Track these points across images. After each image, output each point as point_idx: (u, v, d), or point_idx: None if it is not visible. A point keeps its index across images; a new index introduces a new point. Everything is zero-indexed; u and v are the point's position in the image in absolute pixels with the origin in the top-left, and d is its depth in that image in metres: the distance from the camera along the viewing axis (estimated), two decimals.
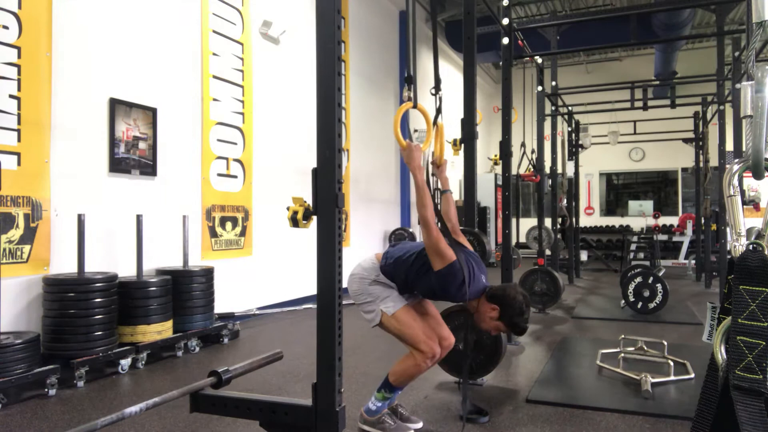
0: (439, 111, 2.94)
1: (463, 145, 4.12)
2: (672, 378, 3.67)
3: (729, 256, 1.13)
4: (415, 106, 2.68)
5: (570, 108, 9.45)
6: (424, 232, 2.56)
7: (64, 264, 4.07)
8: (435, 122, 2.90)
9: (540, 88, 7.55)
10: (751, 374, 1.01)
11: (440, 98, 2.97)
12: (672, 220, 13.79)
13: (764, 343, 1.01)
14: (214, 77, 5.63)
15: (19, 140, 3.81)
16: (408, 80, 2.67)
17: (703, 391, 1.13)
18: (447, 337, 2.86)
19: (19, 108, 3.82)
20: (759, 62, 1.17)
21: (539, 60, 7.56)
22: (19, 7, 3.83)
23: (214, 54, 5.62)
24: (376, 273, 2.78)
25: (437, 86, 2.96)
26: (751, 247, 1.07)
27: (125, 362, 3.99)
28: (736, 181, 1.14)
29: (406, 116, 2.73)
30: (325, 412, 1.99)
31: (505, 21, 5.06)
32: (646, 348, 4.21)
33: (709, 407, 1.10)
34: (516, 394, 3.48)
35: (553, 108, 8.53)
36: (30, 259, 3.86)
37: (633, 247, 10.96)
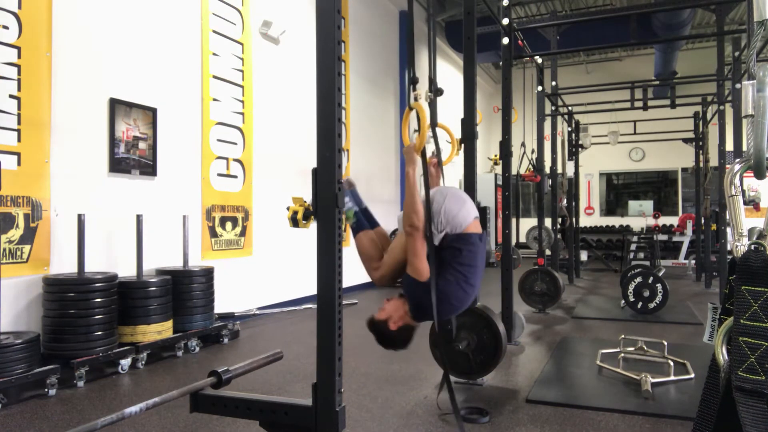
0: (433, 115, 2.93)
1: (463, 145, 4.11)
2: (672, 378, 3.67)
3: (730, 257, 1.13)
4: (410, 108, 2.66)
5: (570, 108, 9.45)
6: (411, 240, 2.46)
7: (64, 264, 4.07)
8: (435, 124, 2.89)
9: (540, 88, 7.55)
10: (753, 375, 1.01)
11: (429, 101, 2.91)
12: (672, 220, 13.79)
13: (766, 344, 1.01)
14: (214, 77, 5.63)
15: (19, 140, 3.81)
16: (413, 81, 2.64)
17: (705, 392, 1.12)
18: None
19: (19, 108, 3.82)
20: (760, 61, 1.17)
21: (539, 60, 7.55)
22: (19, 7, 3.83)
23: (214, 54, 5.62)
24: None
25: (432, 89, 2.94)
26: (753, 247, 1.07)
27: (125, 362, 3.99)
28: (737, 181, 1.14)
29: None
30: (325, 412, 1.99)
31: (505, 21, 5.06)
32: (646, 348, 4.21)
33: (710, 409, 1.10)
34: (516, 394, 3.48)
35: (553, 108, 8.52)
36: (30, 259, 3.85)
37: (633, 247, 10.95)
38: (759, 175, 1.13)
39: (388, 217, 9.70)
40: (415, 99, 2.63)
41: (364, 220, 2.82)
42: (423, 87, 2.60)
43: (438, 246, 2.56)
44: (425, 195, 2.51)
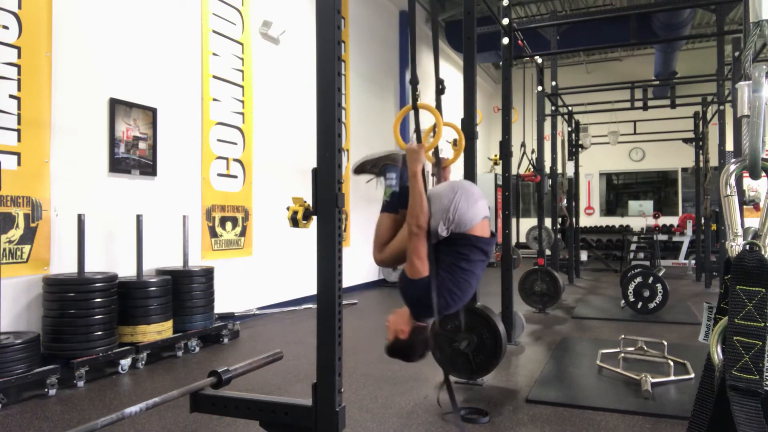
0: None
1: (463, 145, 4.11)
2: (672, 378, 3.67)
3: (726, 256, 1.13)
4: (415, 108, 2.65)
5: (570, 108, 9.45)
6: (414, 240, 2.35)
7: (64, 264, 4.08)
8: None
9: (540, 88, 7.55)
10: (747, 374, 1.02)
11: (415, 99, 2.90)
12: (672, 220, 13.79)
13: (760, 343, 1.02)
14: (214, 77, 5.64)
15: (19, 140, 3.82)
16: (413, 82, 2.62)
17: (700, 391, 1.13)
18: None
19: (19, 108, 3.83)
20: (756, 62, 1.17)
21: (539, 60, 7.55)
22: (19, 7, 3.83)
23: (214, 54, 5.63)
24: None
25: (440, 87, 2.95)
26: (747, 247, 1.07)
27: (125, 362, 4.00)
28: (733, 181, 1.14)
29: (406, 117, 2.70)
30: (325, 412, 1.99)
31: (505, 21, 5.07)
32: (646, 348, 4.21)
33: (705, 408, 1.11)
34: (516, 394, 3.49)
35: (553, 108, 8.53)
36: (30, 259, 3.86)
37: (633, 247, 10.96)
38: (754, 175, 1.13)
39: None
40: (416, 99, 2.61)
41: (396, 203, 2.68)
42: (425, 87, 2.59)
43: (441, 242, 2.53)
44: (429, 193, 2.49)
